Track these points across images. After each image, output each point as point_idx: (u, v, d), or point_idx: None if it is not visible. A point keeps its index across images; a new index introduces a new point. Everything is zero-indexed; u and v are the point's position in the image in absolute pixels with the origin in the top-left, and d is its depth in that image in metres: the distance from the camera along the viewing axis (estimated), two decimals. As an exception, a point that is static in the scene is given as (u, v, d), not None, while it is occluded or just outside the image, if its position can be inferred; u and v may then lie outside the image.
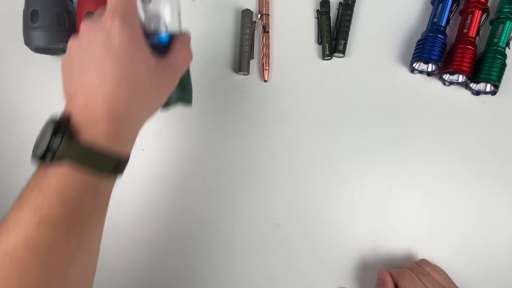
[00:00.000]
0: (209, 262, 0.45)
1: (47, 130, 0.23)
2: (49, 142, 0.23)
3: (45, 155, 0.23)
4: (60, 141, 0.23)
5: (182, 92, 0.35)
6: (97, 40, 0.24)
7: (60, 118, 0.24)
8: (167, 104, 0.33)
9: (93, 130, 0.24)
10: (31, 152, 0.24)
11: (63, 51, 0.43)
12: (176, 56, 0.30)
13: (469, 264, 0.45)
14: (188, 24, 0.46)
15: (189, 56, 0.32)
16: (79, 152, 0.23)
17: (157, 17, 0.32)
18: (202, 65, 0.46)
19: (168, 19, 0.33)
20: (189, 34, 0.33)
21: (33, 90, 0.45)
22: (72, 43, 0.27)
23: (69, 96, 0.26)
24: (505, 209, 0.45)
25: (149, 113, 0.28)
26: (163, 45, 0.31)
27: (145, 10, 0.32)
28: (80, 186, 0.23)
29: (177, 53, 0.30)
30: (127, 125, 0.26)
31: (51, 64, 0.44)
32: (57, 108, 0.44)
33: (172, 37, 0.32)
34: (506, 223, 0.45)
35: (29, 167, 0.45)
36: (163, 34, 0.32)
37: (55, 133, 0.23)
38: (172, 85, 0.30)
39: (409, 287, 0.38)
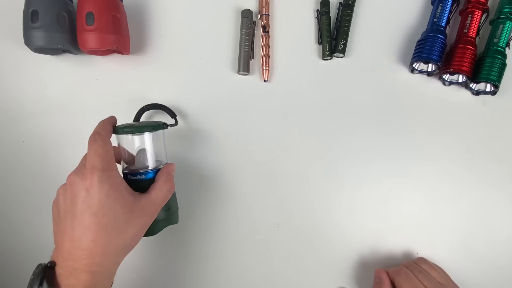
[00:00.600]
0: (209, 262, 0.45)
1: (35, 281, 0.28)
2: None
3: None
4: None
5: (168, 217, 0.37)
6: (80, 195, 0.29)
7: (46, 267, 0.29)
8: (152, 233, 0.35)
9: (72, 281, 0.28)
10: None
11: (63, 51, 0.43)
12: (157, 193, 0.34)
13: (469, 263, 0.45)
14: (189, 24, 0.46)
15: (171, 190, 0.35)
16: None
17: (144, 156, 0.36)
18: (202, 65, 0.46)
19: (154, 156, 0.37)
20: (173, 166, 0.37)
21: (33, 90, 0.45)
22: (60, 193, 0.31)
23: (56, 243, 0.31)
24: (505, 208, 0.45)
25: (128, 249, 0.32)
26: (148, 179, 0.35)
27: (134, 150, 0.36)
28: None
29: (159, 189, 0.34)
30: (104, 270, 0.30)
31: (51, 64, 0.44)
32: (56, 108, 0.44)
33: (157, 170, 0.35)
34: (505, 223, 0.45)
35: (29, 167, 0.45)
36: (149, 171, 0.35)
37: (41, 284, 0.28)
38: (151, 220, 0.33)
39: (405, 284, 0.38)
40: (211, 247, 0.45)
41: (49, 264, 0.30)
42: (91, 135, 0.32)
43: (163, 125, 0.37)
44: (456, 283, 0.40)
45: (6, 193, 0.45)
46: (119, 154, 0.37)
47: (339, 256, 0.45)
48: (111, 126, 0.34)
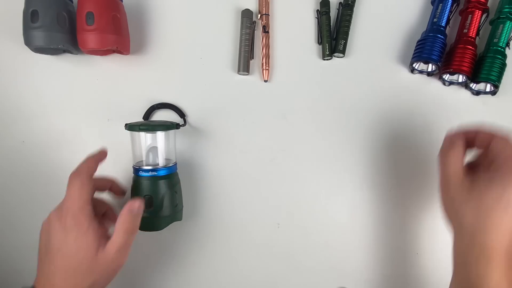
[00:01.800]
0: (209, 261, 0.45)
1: None
2: None
3: None
4: None
5: (174, 214, 0.38)
6: (56, 236, 0.32)
7: None
8: (158, 228, 0.37)
9: None
10: None
11: (63, 51, 0.43)
12: (113, 241, 0.33)
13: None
14: (189, 24, 0.46)
15: (129, 231, 0.33)
16: None
17: (155, 154, 0.38)
18: (202, 65, 0.46)
19: (165, 154, 0.39)
20: (136, 204, 0.34)
21: (33, 90, 0.45)
22: (44, 227, 0.34)
23: (37, 270, 0.33)
24: (505, 209, 0.45)
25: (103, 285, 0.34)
26: (157, 176, 0.37)
27: (146, 148, 0.38)
28: None
29: (115, 235, 0.33)
30: None
31: (51, 64, 0.44)
32: (55, 108, 0.44)
33: (167, 168, 0.38)
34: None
35: (29, 167, 0.45)
36: (159, 168, 0.37)
37: None
38: (109, 275, 0.33)
39: (504, 152, 0.28)
40: (211, 246, 0.45)
41: None
42: (72, 173, 0.33)
43: (176, 126, 0.39)
44: None
45: (6, 193, 0.45)
46: (104, 186, 0.38)
47: (339, 255, 0.45)
48: (96, 164, 0.35)
